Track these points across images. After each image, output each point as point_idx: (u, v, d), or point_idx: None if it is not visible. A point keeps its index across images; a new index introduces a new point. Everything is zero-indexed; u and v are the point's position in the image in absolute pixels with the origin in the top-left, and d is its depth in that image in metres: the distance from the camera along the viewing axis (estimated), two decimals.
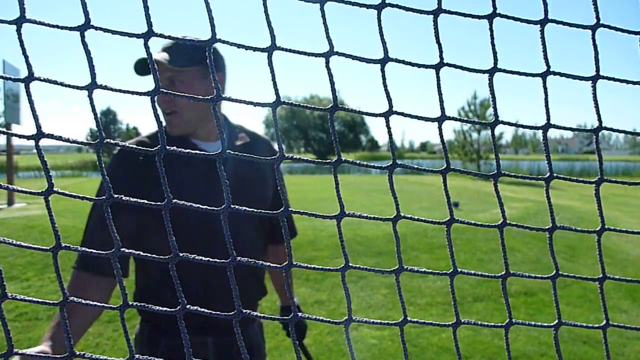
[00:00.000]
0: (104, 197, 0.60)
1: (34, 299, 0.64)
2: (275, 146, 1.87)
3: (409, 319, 0.68)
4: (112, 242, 0.63)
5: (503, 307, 4.91)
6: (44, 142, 0.60)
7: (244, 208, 0.62)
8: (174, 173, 1.52)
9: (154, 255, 0.62)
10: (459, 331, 4.29)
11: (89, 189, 11.73)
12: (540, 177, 0.68)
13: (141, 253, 0.63)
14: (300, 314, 0.67)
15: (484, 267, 6.00)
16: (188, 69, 1.52)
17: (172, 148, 0.59)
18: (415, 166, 0.67)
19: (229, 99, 0.60)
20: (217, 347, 1.61)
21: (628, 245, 7.68)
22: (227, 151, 0.59)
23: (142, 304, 0.63)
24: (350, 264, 0.68)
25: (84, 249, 0.62)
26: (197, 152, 0.61)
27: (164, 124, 1.66)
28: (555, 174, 0.67)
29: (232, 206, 0.60)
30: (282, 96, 0.61)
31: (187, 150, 0.60)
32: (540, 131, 0.66)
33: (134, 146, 0.65)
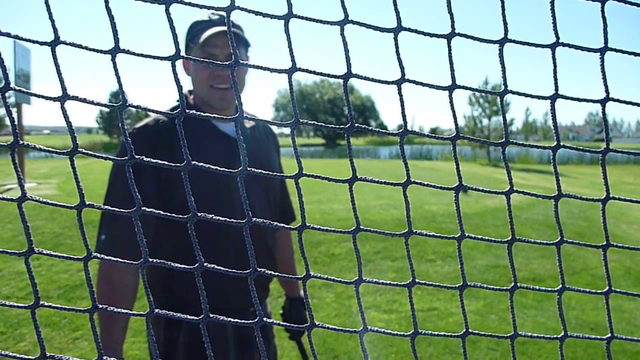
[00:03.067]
0: (126, 158, 0.61)
1: (61, 255, 0.64)
2: (273, 129, 1.94)
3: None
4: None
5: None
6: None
7: (260, 171, 0.63)
8: (196, 155, 1.55)
9: (172, 215, 0.63)
10: (467, 316, 4.30)
11: (98, 170, 11.80)
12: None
13: (161, 212, 0.63)
14: (312, 273, 0.67)
15: (492, 253, 5.99)
16: (243, 49, 1.66)
17: (191, 112, 0.60)
18: (426, 133, 0.69)
19: (246, 65, 0.60)
20: (235, 328, 1.64)
21: (638, 234, 7.63)
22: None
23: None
24: (361, 227, 0.71)
25: (107, 207, 0.63)
26: (215, 115, 0.61)
27: (193, 96, 1.73)
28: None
29: (248, 168, 0.61)
30: (292, 79, 0.64)
31: (206, 115, 0.60)
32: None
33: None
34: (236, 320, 0.65)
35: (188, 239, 0.65)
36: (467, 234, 0.70)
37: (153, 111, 0.61)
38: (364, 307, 4.50)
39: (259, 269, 0.65)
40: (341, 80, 0.64)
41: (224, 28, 1.54)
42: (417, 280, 0.70)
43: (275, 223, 0.65)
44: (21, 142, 0.56)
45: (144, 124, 1.58)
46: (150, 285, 1.67)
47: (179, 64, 1.66)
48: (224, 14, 1.81)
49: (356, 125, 0.64)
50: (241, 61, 1.74)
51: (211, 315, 0.63)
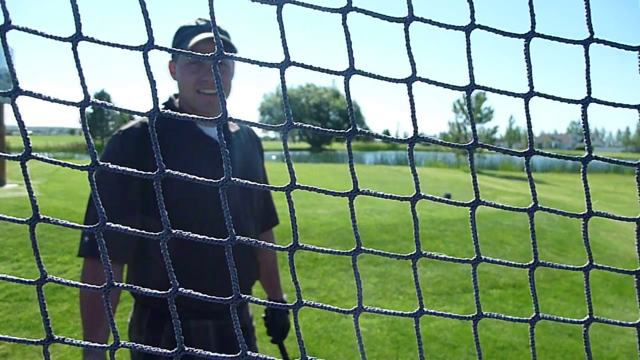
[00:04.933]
0: (90, 164, 0.55)
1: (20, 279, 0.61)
2: (257, 133, 1.95)
3: (425, 309, 0.64)
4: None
5: (491, 298, 4.95)
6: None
7: (246, 182, 0.58)
8: (182, 158, 1.56)
9: (144, 232, 0.58)
10: (446, 321, 4.33)
11: (81, 171, 11.65)
12: (578, 157, 0.64)
13: (129, 228, 0.57)
14: (304, 301, 0.62)
15: None
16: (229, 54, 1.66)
17: (167, 111, 0.55)
18: (440, 140, 0.62)
19: (234, 58, 0.57)
20: (217, 330, 1.64)
21: (617, 242, 7.75)
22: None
23: (130, 285, 0.59)
24: (363, 248, 0.64)
25: (74, 223, 0.60)
26: (196, 117, 0.57)
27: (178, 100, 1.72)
28: (594, 155, 0.63)
29: (232, 177, 0.56)
30: (278, 83, 0.58)
31: (183, 115, 0.56)
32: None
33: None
34: (214, 297, 0.60)
35: (179, 238, 0.61)
36: (483, 257, 0.65)
37: (122, 110, 0.55)
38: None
39: (243, 295, 0.59)
40: (327, 85, 0.59)
41: (212, 34, 1.55)
42: (424, 310, 0.64)
43: (264, 242, 0.60)
44: None
45: (130, 126, 1.58)
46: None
47: (164, 66, 1.67)
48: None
49: (359, 129, 0.58)
50: (227, 66, 1.74)
51: (180, 289, 0.58)
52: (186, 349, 0.59)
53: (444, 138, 34.44)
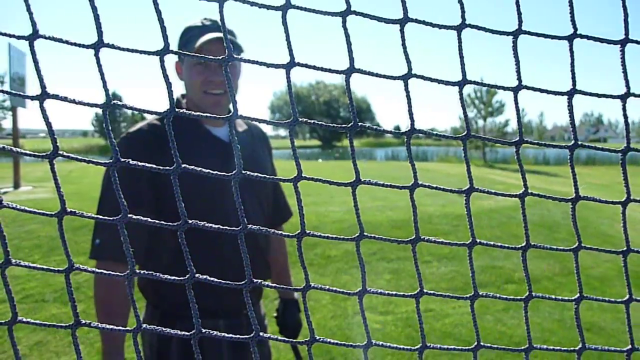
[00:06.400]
0: (112, 160, 0.60)
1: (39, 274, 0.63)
2: (266, 131, 1.95)
3: (425, 290, 0.68)
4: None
5: (506, 293, 4.92)
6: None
7: (256, 174, 0.60)
8: (190, 159, 1.56)
9: (162, 222, 0.61)
10: (462, 317, 4.31)
11: (94, 172, 11.77)
12: (564, 145, 0.68)
13: (149, 219, 0.60)
14: (312, 284, 0.64)
15: (488, 254, 6.01)
16: (236, 54, 1.67)
17: (181, 110, 0.57)
18: (435, 132, 0.66)
19: (242, 60, 0.60)
20: (229, 330, 1.64)
21: (632, 234, 7.66)
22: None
23: (150, 272, 0.61)
24: (366, 234, 0.65)
25: (90, 214, 0.61)
26: (207, 115, 0.59)
27: (182, 99, 1.73)
28: (579, 142, 0.68)
29: (243, 172, 0.58)
30: (290, 75, 0.61)
31: (197, 113, 0.58)
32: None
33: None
34: (230, 335, 0.63)
35: (185, 240, 0.63)
36: (478, 240, 0.70)
37: (140, 110, 0.58)
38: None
39: (255, 280, 0.62)
40: (337, 82, 0.62)
41: (218, 34, 1.54)
42: (424, 290, 0.68)
43: (273, 230, 0.62)
44: (10, 148, 0.55)
45: (137, 128, 1.59)
46: (143, 288, 1.67)
47: (172, 67, 1.67)
48: (216, 19, 1.79)
49: (359, 124, 0.60)
50: (234, 66, 1.73)
51: (203, 331, 0.62)
52: (203, 331, 0.62)
53: (455, 132, 34.25)
